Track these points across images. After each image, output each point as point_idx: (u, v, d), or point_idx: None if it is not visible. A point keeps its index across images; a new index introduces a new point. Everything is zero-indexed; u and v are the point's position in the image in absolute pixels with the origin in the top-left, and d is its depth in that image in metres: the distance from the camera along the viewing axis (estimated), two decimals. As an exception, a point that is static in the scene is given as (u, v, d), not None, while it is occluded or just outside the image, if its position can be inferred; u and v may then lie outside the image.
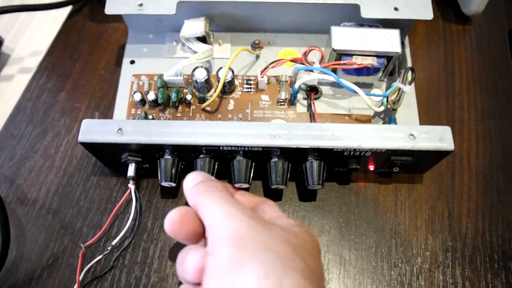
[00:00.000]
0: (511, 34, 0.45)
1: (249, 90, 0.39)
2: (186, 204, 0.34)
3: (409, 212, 0.36)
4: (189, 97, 0.38)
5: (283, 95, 0.38)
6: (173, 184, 0.34)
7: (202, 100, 0.38)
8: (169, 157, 0.33)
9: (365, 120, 0.38)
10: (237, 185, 0.33)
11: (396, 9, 0.36)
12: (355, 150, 0.31)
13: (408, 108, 0.38)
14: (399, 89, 0.36)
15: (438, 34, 0.45)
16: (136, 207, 0.34)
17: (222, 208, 0.26)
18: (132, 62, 0.41)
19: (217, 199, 0.26)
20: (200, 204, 0.27)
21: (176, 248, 0.34)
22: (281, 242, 0.24)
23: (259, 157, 0.33)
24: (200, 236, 0.28)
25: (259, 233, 0.24)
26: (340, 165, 0.34)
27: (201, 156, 0.33)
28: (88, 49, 0.44)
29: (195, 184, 0.29)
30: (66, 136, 0.39)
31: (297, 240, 0.25)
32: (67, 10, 0.47)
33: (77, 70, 0.43)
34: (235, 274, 0.22)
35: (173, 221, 0.27)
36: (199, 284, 0.25)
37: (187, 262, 0.25)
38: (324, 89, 0.39)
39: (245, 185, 0.33)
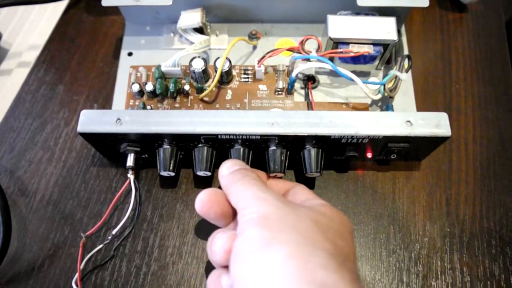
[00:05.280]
0: (508, 22, 0.46)
1: (247, 80, 0.39)
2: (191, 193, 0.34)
3: (407, 199, 0.36)
4: (187, 87, 0.38)
5: (281, 84, 0.38)
6: (172, 174, 0.34)
7: (200, 90, 0.38)
8: (168, 146, 0.33)
9: (363, 108, 0.38)
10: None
11: (392, -3, 0.37)
12: (352, 137, 0.31)
13: (405, 96, 0.39)
14: (396, 76, 0.36)
15: (434, 22, 0.45)
16: (135, 196, 0.34)
17: (253, 192, 0.26)
18: (130, 54, 0.41)
19: (249, 185, 0.27)
20: (234, 191, 0.28)
21: (176, 237, 0.34)
22: (308, 222, 0.24)
23: (257, 145, 0.33)
24: (229, 218, 0.29)
25: (286, 214, 0.25)
26: (338, 153, 0.34)
27: (200, 145, 0.33)
28: (85, 42, 0.44)
29: (231, 172, 0.29)
30: (65, 128, 0.39)
31: (325, 219, 0.25)
32: (64, 3, 0.47)
33: (75, 63, 0.43)
34: (261, 254, 0.22)
35: (203, 200, 0.28)
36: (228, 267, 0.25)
37: (216, 244, 0.26)
38: (321, 78, 0.39)
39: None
